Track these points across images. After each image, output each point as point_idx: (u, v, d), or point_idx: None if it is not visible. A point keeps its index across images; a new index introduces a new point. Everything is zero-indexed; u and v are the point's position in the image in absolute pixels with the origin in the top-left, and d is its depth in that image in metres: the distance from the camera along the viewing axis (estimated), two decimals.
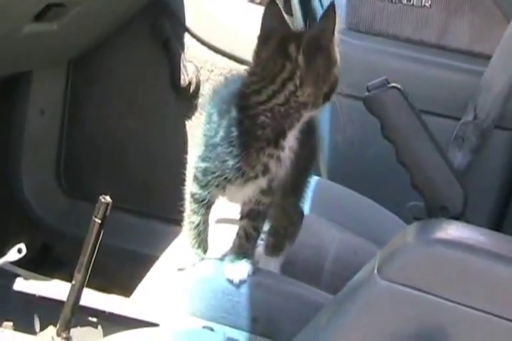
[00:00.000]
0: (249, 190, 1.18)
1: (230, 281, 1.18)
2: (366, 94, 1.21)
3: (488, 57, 1.74)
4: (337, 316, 0.98)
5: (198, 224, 1.21)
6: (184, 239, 1.25)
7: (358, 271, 1.04)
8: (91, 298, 1.24)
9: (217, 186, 1.17)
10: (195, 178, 1.20)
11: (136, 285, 1.29)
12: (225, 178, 1.15)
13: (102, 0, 1.86)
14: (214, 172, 1.16)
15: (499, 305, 0.90)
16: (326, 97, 1.14)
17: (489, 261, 0.93)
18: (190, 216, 1.23)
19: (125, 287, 1.31)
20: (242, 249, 1.20)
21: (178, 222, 1.97)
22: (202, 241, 1.22)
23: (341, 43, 1.80)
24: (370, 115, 1.21)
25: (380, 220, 1.55)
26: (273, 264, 1.28)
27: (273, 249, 1.27)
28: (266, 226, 1.25)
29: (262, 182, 1.16)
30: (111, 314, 1.25)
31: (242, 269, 1.19)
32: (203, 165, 1.18)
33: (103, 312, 1.25)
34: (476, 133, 1.71)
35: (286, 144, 1.15)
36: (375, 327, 0.94)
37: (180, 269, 1.23)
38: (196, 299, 1.20)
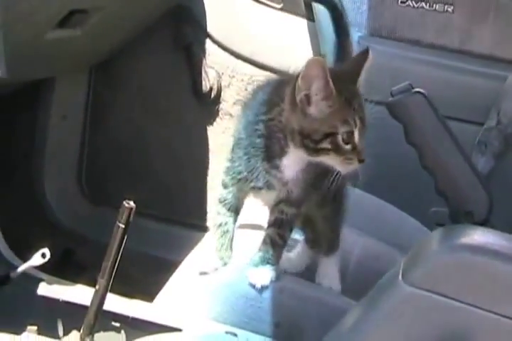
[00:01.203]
0: (268, 198, 1.19)
1: (253, 286, 1.19)
2: (390, 99, 1.21)
3: (511, 62, 1.73)
4: (361, 321, 0.97)
5: (223, 227, 1.23)
6: (209, 242, 1.26)
7: (381, 276, 1.04)
8: (114, 303, 1.24)
9: (236, 187, 1.21)
10: (222, 179, 1.23)
11: (158, 290, 1.29)
12: (239, 180, 1.20)
13: (125, 6, 1.87)
14: (233, 173, 1.20)
15: None
16: (302, 143, 1.13)
17: None
18: (216, 218, 1.24)
19: (148, 292, 1.31)
20: (267, 255, 1.20)
21: (200, 227, 1.99)
22: (227, 245, 1.23)
23: (363, 48, 1.82)
24: (393, 120, 1.21)
25: (402, 226, 1.54)
26: (331, 264, 1.29)
27: (327, 249, 1.29)
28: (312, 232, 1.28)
29: (273, 194, 1.18)
30: (134, 319, 1.25)
31: (265, 274, 1.20)
32: (227, 164, 1.22)
33: (126, 317, 1.25)
34: (499, 138, 1.70)
35: (284, 167, 1.16)
36: (400, 333, 0.94)
37: (202, 273, 1.23)
38: (219, 304, 1.20)
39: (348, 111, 1.13)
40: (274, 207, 1.21)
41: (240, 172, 1.20)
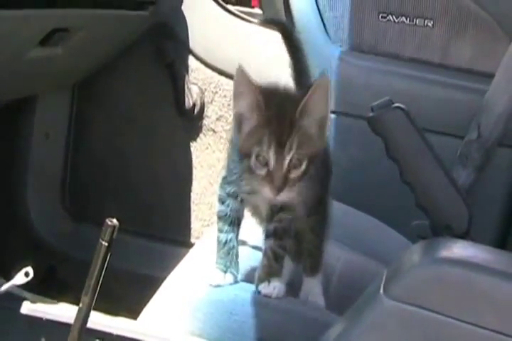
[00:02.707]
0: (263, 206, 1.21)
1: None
2: (370, 114, 1.22)
3: (491, 76, 1.74)
4: (344, 336, 0.97)
5: (228, 244, 1.23)
6: (193, 258, 1.26)
7: (364, 290, 1.04)
8: (98, 320, 1.24)
9: (233, 198, 1.20)
10: (218, 195, 1.23)
11: (142, 307, 1.29)
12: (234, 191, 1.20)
13: (106, 24, 1.88)
14: (230, 183, 1.20)
15: (507, 324, 0.90)
16: None
17: (495, 279, 0.92)
18: (219, 236, 1.24)
19: (132, 309, 1.31)
20: (272, 269, 1.21)
21: (184, 243, 1.98)
22: (234, 261, 1.23)
23: (344, 64, 1.84)
24: (374, 135, 1.22)
25: (385, 239, 1.55)
26: (315, 283, 1.29)
27: (311, 269, 1.29)
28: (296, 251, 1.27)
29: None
30: (118, 336, 1.25)
31: (278, 286, 1.20)
32: (222, 180, 1.22)
33: (110, 334, 1.25)
34: (480, 151, 1.71)
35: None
36: None
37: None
38: (203, 320, 1.20)
39: (264, 132, 1.10)
40: (273, 216, 1.21)
41: (235, 184, 1.19)
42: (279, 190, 1.09)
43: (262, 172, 1.10)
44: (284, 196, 1.11)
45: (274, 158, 1.09)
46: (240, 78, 1.12)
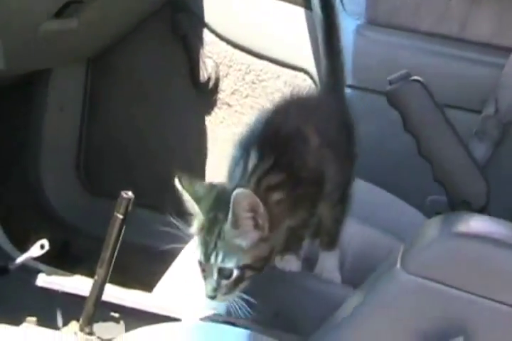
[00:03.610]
0: None
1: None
2: (388, 87, 1.20)
3: (509, 50, 1.72)
4: (359, 309, 0.97)
5: None
6: None
7: (379, 264, 1.04)
8: (113, 293, 1.24)
9: None
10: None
11: (157, 280, 1.29)
12: None
13: None
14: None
15: None
16: None
17: None
18: None
19: (146, 282, 1.31)
20: (288, 244, 1.20)
21: None
22: None
23: (361, 38, 1.82)
24: (391, 109, 1.21)
25: (401, 215, 1.54)
26: (332, 258, 1.29)
27: (328, 244, 1.29)
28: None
29: None
30: (133, 309, 1.25)
31: (291, 260, 1.21)
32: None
33: (125, 307, 1.26)
34: (498, 126, 1.70)
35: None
36: (398, 321, 0.94)
37: None
38: None
39: (198, 238, 1.10)
40: None
41: None
42: (211, 297, 1.09)
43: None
44: (221, 300, 1.10)
45: (202, 268, 1.10)
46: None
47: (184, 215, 1.13)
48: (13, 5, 1.49)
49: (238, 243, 1.07)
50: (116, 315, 1.26)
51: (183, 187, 1.12)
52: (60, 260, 1.56)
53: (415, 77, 1.20)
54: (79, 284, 1.30)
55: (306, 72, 1.88)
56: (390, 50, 1.79)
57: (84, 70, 2.09)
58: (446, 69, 1.75)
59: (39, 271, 1.36)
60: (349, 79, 1.68)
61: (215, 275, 1.08)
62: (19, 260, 1.35)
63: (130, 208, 1.12)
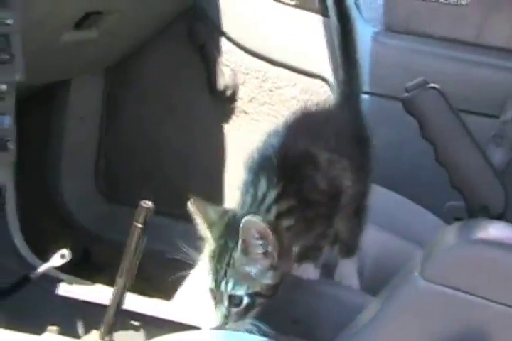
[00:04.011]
0: None
1: (300, 279, 1.19)
2: (404, 95, 1.20)
3: None
4: (378, 316, 0.97)
5: None
6: None
7: (398, 271, 1.03)
8: (133, 301, 1.25)
9: None
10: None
11: (176, 288, 1.30)
12: None
13: (140, 7, 1.88)
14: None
15: None
16: None
17: None
18: None
19: (166, 290, 1.32)
20: (307, 252, 1.20)
21: None
22: None
23: (378, 44, 1.82)
24: (408, 115, 1.21)
25: (420, 221, 1.54)
26: (351, 265, 1.29)
27: (347, 251, 1.29)
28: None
29: None
30: (153, 317, 1.26)
31: (308, 268, 1.20)
32: None
33: (145, 315, 1.26)
34: None
35: None
36: (416, 328, 0.94)
37: None
38: None
39: (208, 267, 1.10)
40: None
41: None
42: (220, 321, 1.08)
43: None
44: (232, 327, 1.09)
45: (213, 295, 1.09)
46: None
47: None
48: (35, 18, 1.51)
49: (248, 270, 1.07)
50: (137, 323, 1.27)
51: (196, 211, 1.11)
52: (80, 267, 1.57)
53: (432, 84, 1.19)
54: (99, 293, 1.31)
55: (323, 78, 1.88)
56: (407, 56, 1.79)
57: (102, 80, 2.11)
58: (463, 74, 1.75)
59: (60, 280, 1.37)
60: (366, 86, 1.68)
61: (226, 303, 1.07)
62: (40, 269, 1.37)
63: (149, 217, 1.12)
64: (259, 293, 1.07)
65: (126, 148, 2.13)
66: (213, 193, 2.01)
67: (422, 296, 0.94)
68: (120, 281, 1.14)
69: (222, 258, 1.07)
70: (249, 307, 1.08)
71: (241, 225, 1.04)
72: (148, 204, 1.13)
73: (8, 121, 1.42)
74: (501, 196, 1.14)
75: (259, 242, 1.05)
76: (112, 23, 1.80)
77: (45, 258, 1.38)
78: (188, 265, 1.34)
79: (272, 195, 1.11)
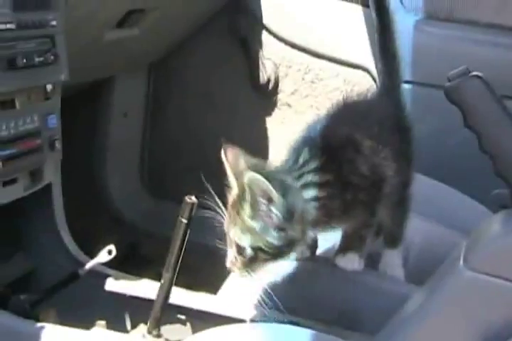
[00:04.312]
0: None
1: (344, 270, 1.20)
2: (447, 84, 1.19)
3: None
4: (423, 307, 0.97)
5: None
6: None
7: (443, 261, 1.03)
8: (179, 296, 1.26)
9: None
10: None
11: (222, 281, 1.30)
12: None
13: (180, 3, 1.89)
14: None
15: None
16: None
17: None
18: None
19: (211, 284, 1.32)
20: (351, 243, 1.21)
21: None
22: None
23: (420, 33, 1.80)
24: (451, 104, 1.19)
25: (466, 209, 1.52)
26: (396, 255, 1.29)
27: (392, 241, 1.29)
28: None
29: None
30: (199, 311, 1.27)
31: (353, 259, 1.21)
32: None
33: (191, 309, 1.27)
34: None
35: None
36: (462, 318, 0.93)
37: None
38: (281, 294, 1.20)
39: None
40: None
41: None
42: (229, 269, 1.11)
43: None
44: (238, 273, 1.11)
45: (225, 238, 1.11)
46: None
47: None
48: (78, 18, 1.53)
49: (253, 224, 1.08)
50: (183, 317, 1.28)
51: (226, 158, 1.14)
52: (128, 262, 1.59)
53: (475, 73, 1.18)
54: (146, 288, 1.32)
55: (364, 69, 1.87)
56: (449, 43, 1.78)
57: (145, 76, 2.13)
58: (508, 60, 1.72)
59: (107, 276, 1.39)
60: (409, 75, 1.67)
61: (234, 249, 1.10)
62: (88, 266, 1.38)
63: (194, 212, 1.13)
64: (261, 249, 1.08)
65: (170, 143, 2.14)
66: None
67: (468, 286, 0.93)
68: (166, 276, 1.15)
69: (236, 206, 1.10)
70: (252, 259, 1.09)
71: (245, 179, 1.05)
72: (192, 199, 1.14)
73: (54, 120, 1.44)
74: None
75: (263, 201, 1.07)
76: (153, 20, 1.81)
77: (92, 254, 1.39)
78: None
79: (312, 165, 1.13)
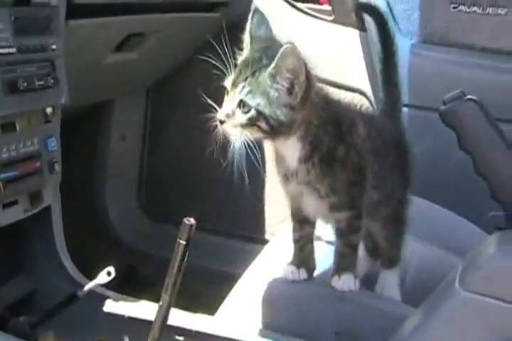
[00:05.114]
0: (312, 202, 1.21)
1: (341, 291, 1.21)
2: (442, 107, 1.20)
3: None
4: (420, 328, 0.97)
5: (297, 240, 1.25)
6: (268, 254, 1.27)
7: (440, 282, 1.03)
8: (178, 317, 1.26)
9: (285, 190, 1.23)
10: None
11: (220, 303, 1.31)
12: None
13: (179, 27, 1.91)
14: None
15: None
16: None
17: None
18: (292, 234, 1.27)
19: (209, 305, 1.33)
20: (344, 263, 1.22)
21: (259, 240, 1.99)
22: (304, 257, 1.25)
23: (416, 57, 1.82)
24: (446, 127, 1.21)
25: (461, 231, 1.53)
26: (392, 276, 1.30)
27: (390, 262, 1.31)
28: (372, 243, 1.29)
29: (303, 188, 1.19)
30: (197, 332, 1.27)
31: (348, 279, 1.22)
32: None
33: (190, 330, 1.27)
34: None
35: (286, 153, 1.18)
36: (459, 338, 0.94)
37: (293, 281, 1.24)
38: (280, 315, 1.21)
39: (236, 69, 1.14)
40: (327, 217, 1.22)
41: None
42: (221, 115, 1.16)
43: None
44: (227, 127, 1.17)
45: (227, 92, 1.15)
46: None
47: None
48: (78, 42, 1.54)
49: (267, 90, 1.10)
50: (181, 338, 1.28)
51: (251, 21, 1.15)
52: (126, 284, 1.59)
53: (470, 96, 1.19)
54: (144, 309, 1.32)
55: (361, 92, 1.89)
56: (444, 67, 1.79)
57: (144, 99, 2.14)
58: (502, 83, 1.74)
59: (106, 297, 1.39)
60: (405, 98, 1.68)
61: (234, 104, 1.12)
62: (87, 287, 1.39)
63: (192, 234, 1.14)
64: (265, 117, 1.11)
65: (168, 166, 2.15)
66: (256, 209, 2.02)
67: (464, 306, 0.94)
68: (165, 297, 1.15)
69: (250, 67, 1.11)
70: (250, 121, 1.11)
71: (281, 50, 1.07)
72: (191, 221, 1.14)
73: (54, 143, 1.45)
74: None
75: (289, 75, 1.08)
76: (152, 43, 1.83)
77: (91, 276, 1.40)
78: (232, 279, 1.36)
79: None
